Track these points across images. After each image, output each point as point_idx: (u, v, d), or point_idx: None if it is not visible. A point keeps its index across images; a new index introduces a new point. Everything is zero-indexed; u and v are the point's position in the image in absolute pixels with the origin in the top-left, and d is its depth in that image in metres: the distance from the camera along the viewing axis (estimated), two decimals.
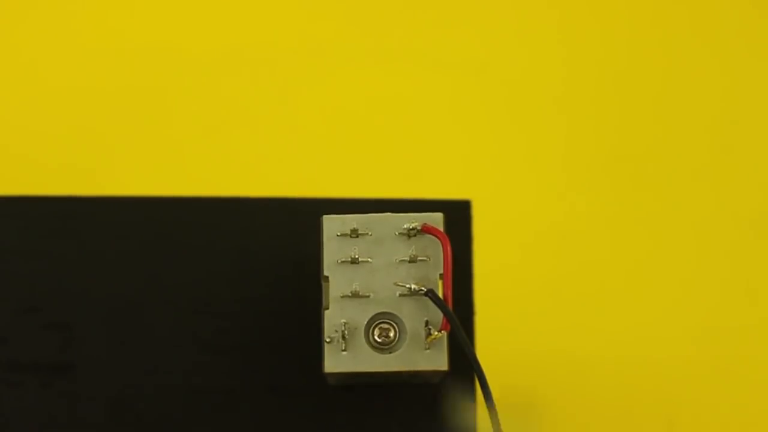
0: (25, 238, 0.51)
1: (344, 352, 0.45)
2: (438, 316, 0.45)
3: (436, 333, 0.45)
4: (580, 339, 0.63)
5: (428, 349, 0.45)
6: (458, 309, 0.46)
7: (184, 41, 0.69)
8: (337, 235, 0.46)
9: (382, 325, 0.45)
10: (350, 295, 0.45)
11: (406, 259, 0.45)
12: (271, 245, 0.51)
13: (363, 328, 0.45)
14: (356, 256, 0.45)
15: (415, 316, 0.45)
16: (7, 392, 0.50)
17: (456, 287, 0.46)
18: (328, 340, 0.45)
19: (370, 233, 0.46)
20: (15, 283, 0.51)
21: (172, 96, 0.68)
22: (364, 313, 0.45)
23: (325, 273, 0.45)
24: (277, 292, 0.51)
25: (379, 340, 0.45)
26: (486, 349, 0.50)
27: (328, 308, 0.45)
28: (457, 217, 0.50)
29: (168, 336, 0.50)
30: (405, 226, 0.46)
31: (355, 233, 0.46)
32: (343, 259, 0.45)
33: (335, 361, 0.45)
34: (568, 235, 0.66)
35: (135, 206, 0.52)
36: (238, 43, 0.70)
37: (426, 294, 0.45)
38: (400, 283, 0.45)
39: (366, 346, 0.45)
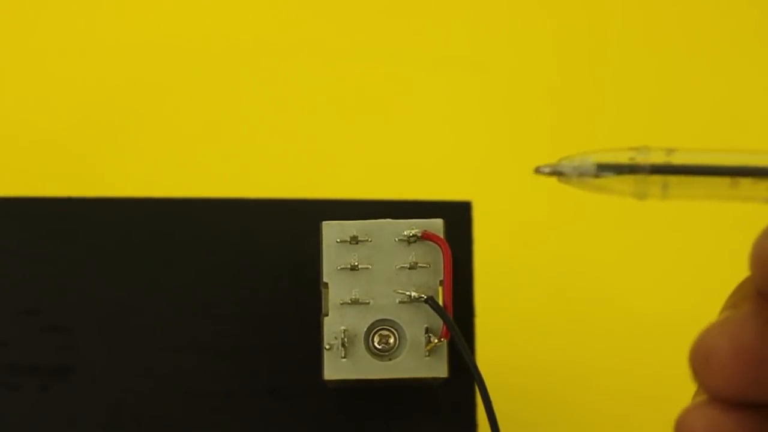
0: (24, 239, 0.51)
1: (344, 359, 0.45)
2: (438, 322, 0.45)
3: (435, 341, 0.45)
4: (582, 343, 0.63)
5: (428, 356, 0.45)
6: (458, 311, 0.46)
7: (184, 41, 0.69)
8: (337, 242, 0.46)
9: (382, 332, 0.45)
10: (350, 302, 0.45)
11: (406, 265, 0.45)
12: (271, 247, 0.51)
13: (363, 335, 0.45)
14: (356, 263, 0.45)
15: (415, 323, 0.45)
16: (5, 395, 0.50)
17: (456, 289, 0.46)
18: (327, 347, 0.45)
19: (369, 240, 0.46)
20: (14, 284, 0.50)
21: (172, 96, 0.68)
22: (364, 320, 0.45)
23: (325, 280, 0.45)
24: (278, 294, 0.51)
25: (378, 346, 0.45)
26: (487, 351, 0.50)
27: (327, 315, 0.45)
28: (457, 218, 0.50)
29: (167, 339, 0.50)
30: (405, 233, 0.45)
31: (354, 240, 0.46)
32: (343, 266, 0.45)
33: (335, 369, 0.45)
34: (570, 236, 0.66)
35: (135, 207, 0.51)
36: (238, 43, 0.69)
37: (426, 301, 0.45)
38: (400, 290, 0.45)
39: (366, 353, 0.45)
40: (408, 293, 0.45)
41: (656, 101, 0.70)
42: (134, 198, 0.52)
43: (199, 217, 0.51)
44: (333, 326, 0.45)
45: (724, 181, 0.34)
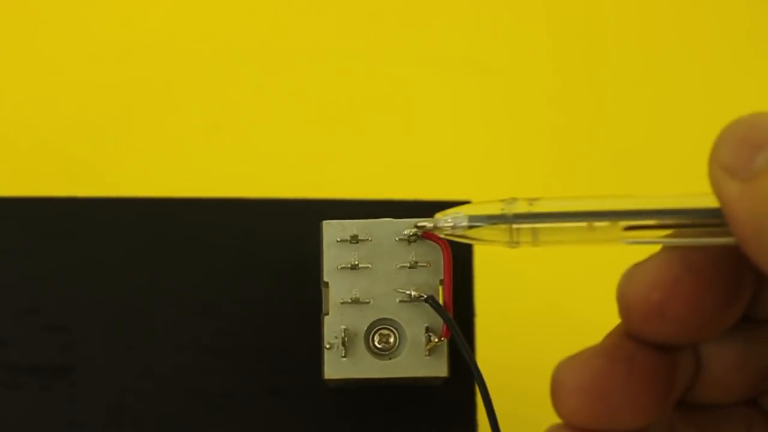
0: (24, 239, 0.51)
1: (344, 359, 0.45)
2: (438, 321, 0.45)
3: (436, 340, 0.45)
4: (583, 341, 0.63)
5: (428, 355, 0.45)
6: (458, 310, 0.46)
7: (184, 41, 0.69)
8: (337, 241, 0.46)
9: (382, 331, 0.45)
10: (350, 301, 0.45)
11: (406, 264, 0.45)
12: (271, 246, 0.51)
13: (363, 334, 0.45)
14: (356, 262, 0.45)
15: (415, 323, 0.45)
16: (6, 395, 0.50)
17: (456, 288, 0.46)
18: (327, 346, 0.45)
19: (370, 239, 0.46)
20: (14, 284, 0.50)
21: (172, 96, 0.68)
22: (364, 319, 0.45)
23: (325, 279, 0.45)
24: (278, 294, 0.51)
25: (379, 346, 0.45)
26: (487, 351, 0.50)
27: (328, 314, 0.45)
28: None
29: (168, 338, 0.50)
30: (405, 232, 0.45)
31: (355, 239, 0.46)
32: (343, 265, 0.45)
33: (335, 368, 0.45)
34: None
35: (135, 206, 0.51)
36: (238, 43, 0.69)
37: (426, 300, 0.45)
38: (401, 290, 0.45)
39: (366, 352, 0.45)
40: (408, 292, 0.45)
41: (654, 102, 0.70)
42: (134, 198, 0.51)
43: (199, 217, 0.51)
44: (333, 325, 0.45)
45: (582, 226, 0.35)
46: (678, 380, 0.35)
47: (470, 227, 0.40)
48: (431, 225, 0.43)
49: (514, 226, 0.38)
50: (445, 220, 0.41)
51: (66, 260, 0.51)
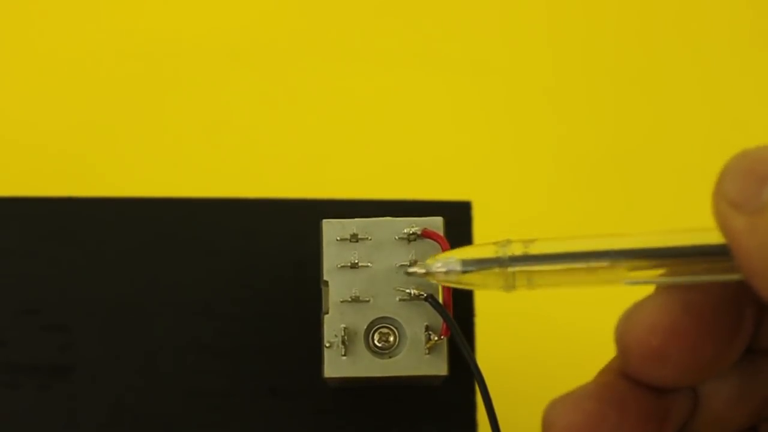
0: (24, 238, 0.51)
1: (344, 357, 0.45)
2: (438, 320, 0.45)
3: (435, 338, 0.45)
4: (583, 341, 0.63)
5: (428, 354, 0.45)
6: (458, 309, 0.46)
7: (183, 41, 0.69)
8: (337, 240, 0.46)
9: (382, 330, 0.45)
10: (350, 299, 0.45)
11: (406, 263, 0.45)
12: (271, 247, 0.51)
13: (363, 332, 0.45)
14: (356, 261, 0.45)
15: (415, 321, 0.45)
16: (5, 394, 0.50)
17: (456, 289, 0.46)
18: (327, 345, 0.45)
19: (369, 238, 0.46)
20: (14, 284, 0.50)
21: (171, 96, 0.68)
22: (364, 318, 0.45)
23: (325, 278, 0.45)
24: (278, 294, 0.51)
25: (379, 344, 0.45)
26: (486, 350, 0.50)
27: (327, 313, 0.45)
28: (457, 218, 0.50)
29: (168, 338, 0.50)
30: (405, 231, 0.45)
31: (354, 238, 0.46)
32: (343, 264, 0.45)
33: (335, 366, 0.45)
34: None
35: (135, 206, 0.51)
36: (237, 43, 0.69)
37: (426, 299, 0.45)
38: (400, 288, 0.45)
39: (366, 351, 0.45)
40: (408, 291, 0.45)
41: (655, 101, 0.70)
42: (134, 198, 0.52)
43: (199, 217, 0.51)
44: (333, 324, 0.45)
45: (580, 268, 0.35)
46: (673, 419, 0.34)
47: (464, 272, 0.38)
48: (423, 271, 0.41)
49: (510, 269, 0.36)
50: (437, 265, 0.40)
51: (66, 260, 0.51)
